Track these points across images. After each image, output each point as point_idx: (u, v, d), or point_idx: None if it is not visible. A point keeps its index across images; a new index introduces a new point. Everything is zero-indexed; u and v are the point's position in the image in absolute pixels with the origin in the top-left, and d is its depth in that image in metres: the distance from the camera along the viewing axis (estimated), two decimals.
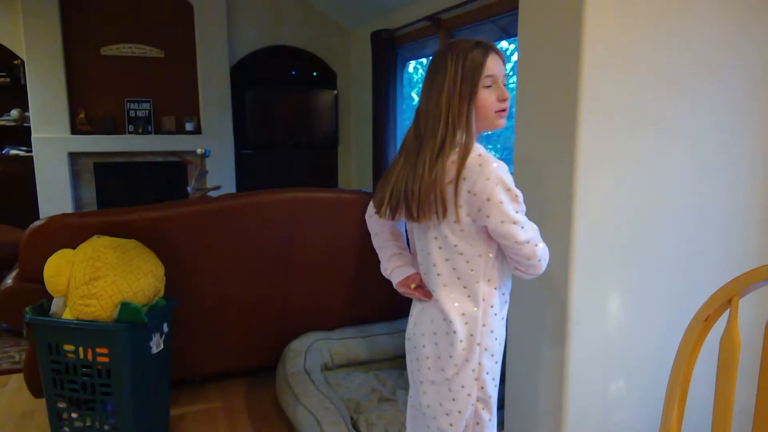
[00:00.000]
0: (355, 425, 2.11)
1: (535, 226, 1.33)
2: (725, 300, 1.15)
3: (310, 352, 2.51)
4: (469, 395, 1.38)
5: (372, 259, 2.69)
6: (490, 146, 4.31)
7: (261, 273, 2.58)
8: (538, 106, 1.71)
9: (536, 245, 1.31)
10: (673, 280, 1.71)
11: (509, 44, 3.89)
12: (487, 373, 1.38)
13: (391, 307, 2.77)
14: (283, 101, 5.83)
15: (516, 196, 1.28)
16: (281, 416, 2.41)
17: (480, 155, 1.28)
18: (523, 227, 1.28)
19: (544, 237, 1.62)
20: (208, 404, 2.58)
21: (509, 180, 1.28)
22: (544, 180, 1.69)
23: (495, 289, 1.37)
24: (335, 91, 5.96)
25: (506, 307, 1.44)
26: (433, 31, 4.13)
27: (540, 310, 1.75)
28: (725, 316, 1.16)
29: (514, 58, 3.86)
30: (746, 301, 1.22)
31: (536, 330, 1.77)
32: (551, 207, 1.66)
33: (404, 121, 4.80)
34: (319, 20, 5.86)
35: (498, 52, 1.34)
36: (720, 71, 1.66)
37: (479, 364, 1.37)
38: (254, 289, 2.60)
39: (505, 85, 1.35)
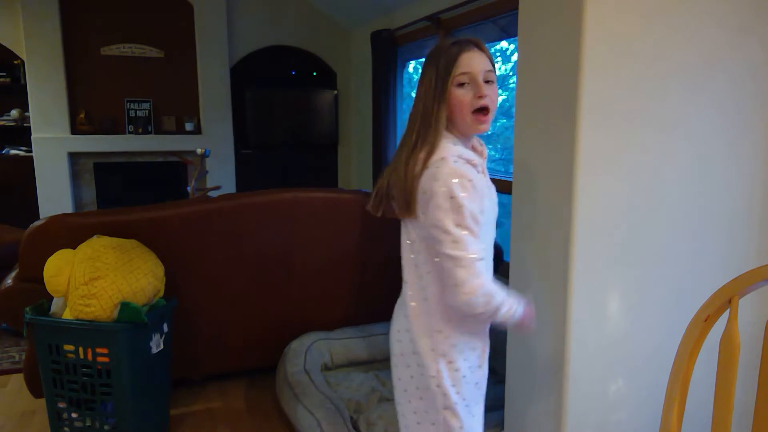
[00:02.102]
0: (355, 425, 2.11)
1: (475, 254, 1.21)
2: (725, 300, 1.15)
3: (310, 352, 2.51)
4: (433, 402, 1.35)
5: (372, 259, 2.70)
6: (489, 146, 4.30)
7: (261, 273, 2.58)
8: (537, 106, 1.71)
9: (461, 267, 1.20)
10: (673, 280, 1.71)
11: (509, 44, 3.89)
12: (448, 381, 1.34)
13: (391, 307, 2.76)
14: (283, 101, 5.83)
15: (460, 206, 1.19)
16: (281, 416, 2.41)
17: (443, 158, 1.24)
18: (455, 242, 1.20)
19: (545, 236, 1.62)
20: (208, 404, 2.58)
21: (458, 189, 1.20)
22: (544, 180, 1.69)
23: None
24: (335, 91, 5.97)
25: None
26: (433, 31, 4.13)
27: (540, 311, 1.74)
28: (725, 316, 1.16)
29: (514, 58, 3.86)
30: (746, 301, 1.22)
31: (536, 330, 1.77)
32: (551, 207, 1.66)
33: (404, 121, 4.80)
34: (319, 20, 5.86)
35: (481, 49, 1.28)
36: (722, 70, 1.65)
37: (438, 371, 1.33)
38: (254, 289, 2.60)
39: (490, 83, 1.27)
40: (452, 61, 1.25)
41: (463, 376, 1.36)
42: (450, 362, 1.34)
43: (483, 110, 1.27)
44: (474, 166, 1.30)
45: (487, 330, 1.42)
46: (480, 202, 1.24)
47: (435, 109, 1.27)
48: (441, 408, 1.34)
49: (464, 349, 1.36)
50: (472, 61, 1.26)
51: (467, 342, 1.36)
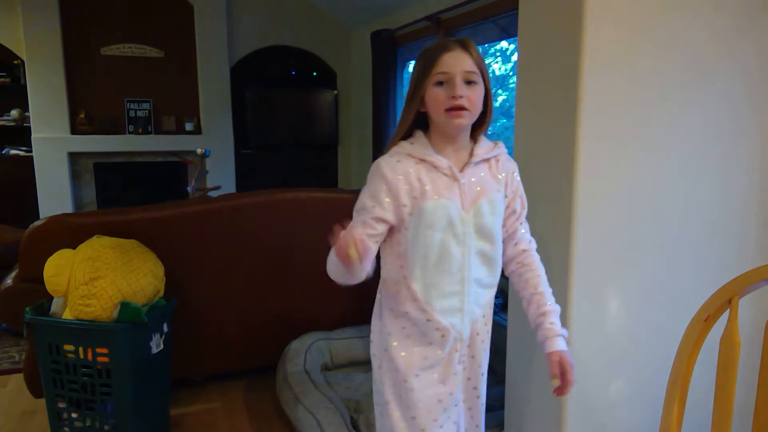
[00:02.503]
0: (355, 425, 2.11)
1: (349, 231, 1.22)
2: (725, 300, 1.15)
3: (310, 352, 2.51)
4: (376, 395, 1.39)
5: None
6: None
7: (261, 273, 2.58)
8: (538, 106, 1.71)
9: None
10: (673, 280, 1.71)
11: (509, 44, 3.89)
12: (386, 379, 1.34)
13: None
14: (283, 101, 5.83)
15: (361, 194, 1.31)
16: (281, 416, 2.40)
17: (386, 153, 1.30)
18: (352, 223, 1.31)
19: (545, 236, 1.63)
20: (208, 404, 2.57)
21: (372, 182, 1.30)
22: (544, 180, 1.69)
23: (385, 287, 1.38)
24: (335, 91, 5.97)
25: (406, 316, 1.31)
26: (433, 31, 4.13)
27: None
28: (725, 316, 1.16)
29: (514, 58, 3.86)
30: (746, 301, 1.22)
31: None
32: (551, 207, 1.66)
33: None
34: (319, 20, 5.86)
35: (466, 49, 1.24)
36: (719, 72, 1.66)
37: (379, 365, 1.36)
38: (254, 289, 2.60)
39: (471, 83, 1.22)
40: (432, 60, 1.23)
41: (405, 380, 1.31)
42: (390, 359, 1.32)
43: (457, 108, 1.22)
44: (436, 167, 1.26)
45: (449, 349, 1.31)
46: (394, 197, 1.26)
47: (410, 107, 1.27)
48: (380, 403, 1.37)
49: (413, 358, 1.31)
50: (453, 61, 1.22)
51: (411, 348, 1.31)
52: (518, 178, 1.36)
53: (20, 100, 5.09)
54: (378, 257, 1.34)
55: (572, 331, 1.63)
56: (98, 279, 1.95)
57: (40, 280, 2.02)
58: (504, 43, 3.94)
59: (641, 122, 1.59)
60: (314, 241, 2.65)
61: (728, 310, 1.15)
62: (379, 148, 4.89)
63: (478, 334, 1.35)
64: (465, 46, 1.24)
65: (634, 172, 1.62)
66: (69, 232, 2.21)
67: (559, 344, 1.30)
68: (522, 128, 1.79)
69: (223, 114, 5.57)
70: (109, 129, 5.30)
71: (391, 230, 1.30)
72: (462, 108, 1.21)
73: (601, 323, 1.67)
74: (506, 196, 1.34)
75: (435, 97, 1.23)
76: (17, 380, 2.77)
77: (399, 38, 4.67)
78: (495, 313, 1.54)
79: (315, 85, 5.96)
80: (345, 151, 6.17)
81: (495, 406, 2.06)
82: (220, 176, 5.46)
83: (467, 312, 1.31)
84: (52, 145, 5.11)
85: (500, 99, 4.15)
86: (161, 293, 2.16)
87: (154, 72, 5.38)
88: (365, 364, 2.62)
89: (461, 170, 1.27)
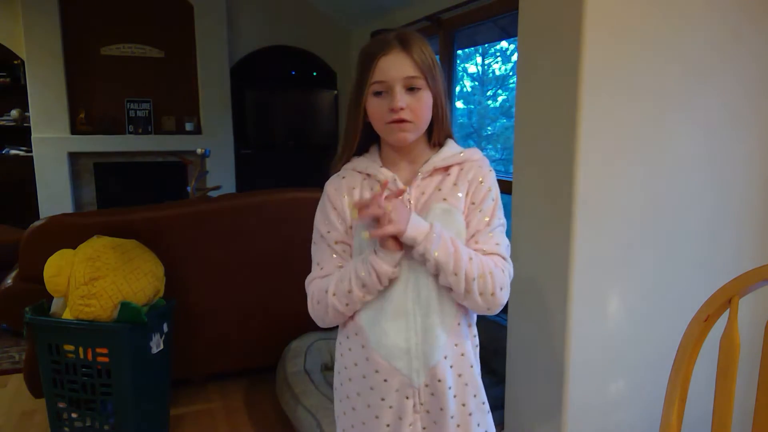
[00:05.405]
0: None
1: (313, 275, 1.21)
2: (725, 300, 1.15)
3: (310, 352, 2.51)
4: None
5: None
6: (489, 146, 4.30)
7: (261, 273, 2.58)
8: (538, 106, 1.71)
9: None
10: (673, 280, 1.71)
11: (509, 44, 3.89)
12: (341, 413, 1.24)
13: None
14: (283, 101, 5.83)
15: (314, 222, 1.22)
16: (281, 416, 2.40)
17: (336, 173, 1.21)
18: (316, 260, 1.22)
19: (545, 236, 1.63)
20: (208, 404, 2.57)
21: (321, 205, 1.22)
22: (544, 180, 1.69)
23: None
24: (335, 91, 5.96)
25: (352, 340, 1.17)
26: (433, 31, 4.13)
27: (540, 310, 1.75)
28: (725, 316, 1.16)
29: (514, 58, 3.86)
30: (746, 301, 1.22)
31: (536, 330, 1.77)
32: (551, 207, 1.66)
33: None
34: (319, 20, 5.86)
35: (406, 48, 1.07)
36: (718, 74, 1.66)
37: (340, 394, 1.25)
38: (254, 289, 2.60)
39: (415, 89, 1.08)
40: (368, 66, 1.09)
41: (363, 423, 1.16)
42: (336, 388, 1.23)
43: (398, 122, 1.09)
44: (380, 182, 1.13)
45: (397, 397, 1.12)
46: (341, 218, 1.16)
47: (353, 117, 1.14)
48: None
49: (360, 387, 1.16)
50: (390, 66, 1.07)
51: (352, 381, 1.17)
52: (490, 187, 1.14)
53: (20, 100, 5.09)
54: None
55: (572, 331, 1.63)
56: (98, 279, 1.95)
57: (40, 280, 2.02)
58: (504, 43, 3.94)
59: (641, 122, 1.59)
60: None
61: (728, 310, 1.15)
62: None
63: (439, 380, 1.10)
64: (405, 45, 1.08)
65: (634, 172, 1.62)
66: (69, 232, 2.21)
67: (422, 223, 1.06)
68: (522, 128, 1.79)
69: (223, 114, 5.57)
70: (109, 129, 5.30)
71: None
72: (403, 121, 1.08)
73: (601, 323, 1.67)
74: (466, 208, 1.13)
75: (373, 110, 1.10)
76: (17, 380, 2.77)
77: None
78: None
79: (315, 85, 5.96)
80: None
81: (495, 406, 2.06)
82: (220, 176, 5.45)
83: (417, 354, 1.10)
84: (52, 145, 5.11)
85: (500, 99, 4.15)
86: (161, 293, 2.16)
87: (154, 72, 5.38)
88: None
89: (410, 183, 1.13)
